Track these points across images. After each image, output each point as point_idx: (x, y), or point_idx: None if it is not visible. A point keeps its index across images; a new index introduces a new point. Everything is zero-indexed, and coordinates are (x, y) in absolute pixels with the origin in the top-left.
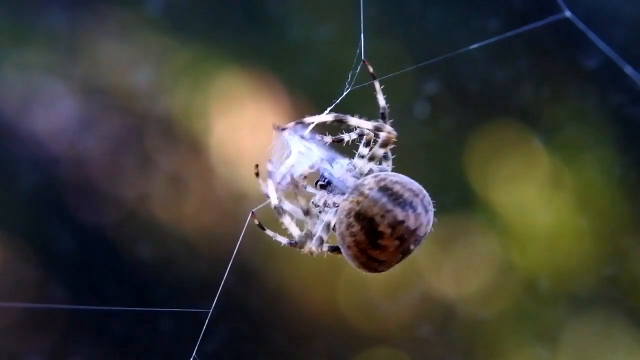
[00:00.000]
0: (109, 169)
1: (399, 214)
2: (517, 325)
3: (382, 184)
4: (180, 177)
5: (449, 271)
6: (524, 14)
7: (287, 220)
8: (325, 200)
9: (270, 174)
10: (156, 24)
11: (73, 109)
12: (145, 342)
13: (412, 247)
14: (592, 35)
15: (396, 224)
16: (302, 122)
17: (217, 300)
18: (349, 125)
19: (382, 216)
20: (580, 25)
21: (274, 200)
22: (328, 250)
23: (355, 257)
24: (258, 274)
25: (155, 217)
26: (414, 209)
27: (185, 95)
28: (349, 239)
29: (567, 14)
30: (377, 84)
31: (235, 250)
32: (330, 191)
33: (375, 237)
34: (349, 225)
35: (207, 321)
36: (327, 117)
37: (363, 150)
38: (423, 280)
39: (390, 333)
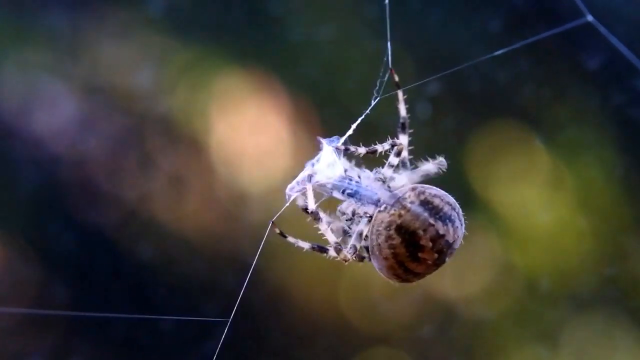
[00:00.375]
0: (110, 168)
1: (441, 228)
2: (517, 325)
3: (422, 197)
4: (180, 177)
5: (449, 271)
6: (525, 14)
7: (323, 227)
8: (354, 210)
9: (309, 177)
10: (157, 24)
11: (74, 109)
12: (146, 344)
13: (447, 259)
14: (613, 40)
15: (437, 238)
16: (347, 149)
17: (235, 309)
18: (377, 152)
19: (425, 230)
20: (603, 30)
21: (311, 205)
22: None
23: (391, 268)
24: (260, 274)
25: (156, 217)
26: (453, 223)
27: (186, 95)
28: (387, 251)
29: (589, 18)
30: (400, 94)
31: (254, 263)
32: (359, 200)
33: (415, 250)
34: (389, 238)
35: (225, 332)
36: (360, 150)
37: (393, 159)
38: (424, 280)
39: (391, 333)
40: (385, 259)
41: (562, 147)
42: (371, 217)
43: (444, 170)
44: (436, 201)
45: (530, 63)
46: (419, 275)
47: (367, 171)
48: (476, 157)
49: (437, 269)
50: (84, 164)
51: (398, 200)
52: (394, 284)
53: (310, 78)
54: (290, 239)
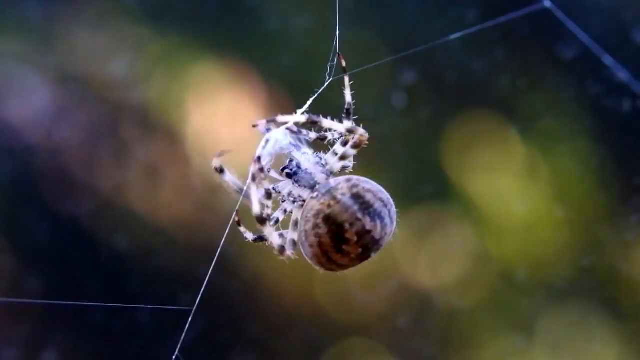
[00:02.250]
0: (85, 159)
1: (368, 223)
2: (493, 315)
3: (354, 190)
4: (156, 167)
5: (425, 261)
6: (501, 4)
7: (268, 230)
8: (290, 191)
9: (253, 177)
10: (132, 13)
11: (48, 99)
12: (122, 333)
13: (372, 254)
14: (571, 25)
15: (363, 233)
16: (274, 121)
17: (199, 296)
18: (322, 127)
19: (352, 224)
20: (560, 15)
21: (255, 209)
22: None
23: (315, 256)
24: (234, 264)
25: (131, 207)
26: (382, 220)
27: (162, 85)
28: (312, 239)
29: (547, 3)
30: (346, 79)
31: (219, 249)
32: (296, 181)
33: (340, 243)
34: (316, 226)
35: (189, 319)
36: (300, 117)
37: (338, 148)
38: (400, 270)
39: (367, 323)
40: (310, 246)
41: (538, 137)
42: (304, 202)
43: (365, 143)
44: (368, 196)
45: (506, 53)
46: (341, 267)
47: (310, 154)
48: (452, 147)
49: (360, 263)
50: (59, 154)
51: (329, 190)
52: (320, 270)
53: (285, 68)
54: (242, 229)
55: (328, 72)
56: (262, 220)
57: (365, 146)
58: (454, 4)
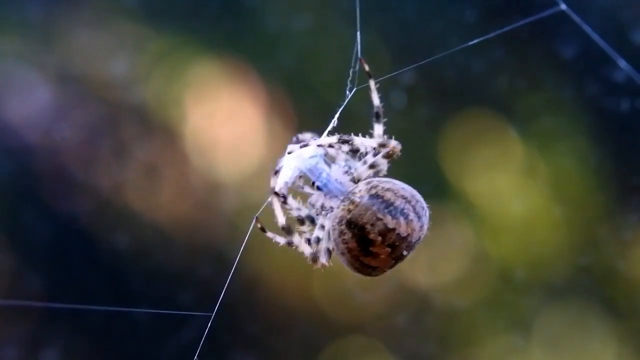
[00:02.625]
0: (84, 157)
1: (390, 222)
2: (491, 314)
3: (373, 191)
4: (155, 167)
5: (424, 260)
6: (502, 4)
7: (297, 239)
8: (323, 203)
9: (272, 190)
10: (132, 13)
11: (48, 98)
12: (122, 334)
13: (405, 253)
14: (587, 28)
15: (386, 232)
16: (307, 145)
17: (218, 304)
18: (354, 146)
19: (372, 224)
20: (576, 18)
21: (280, 220)
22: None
23: (350, 264)
24: (233, 263)
25: (131, 206)
26: (406, 216)
27: (161, 84)
28: (342, 246)
29: (563, 7)
30: (372, 83)
31: (238, 257)
32: (327, 193)
33: (366, 245)
34: (341, 233)
35: (208, 327)
36: (330, 139)
37: (369, 157)
38: (398, 270)
39: (365, 322)
40: (342, 254)
41: (536, 136)
42: None
43: (397, 154)
44: (387, 195)
45: (505, 53)
46: (377, 269)
47: (339, 164)
48: (451, 146)
49: (397, 262)
50: (58, 153)
51: (348, 195)
52: (364, 278)
53: (285, 68)
54: (269, 234)
55: (350, 78)
56: (289, 230)
57: (397, 157)
58: (453, 4)
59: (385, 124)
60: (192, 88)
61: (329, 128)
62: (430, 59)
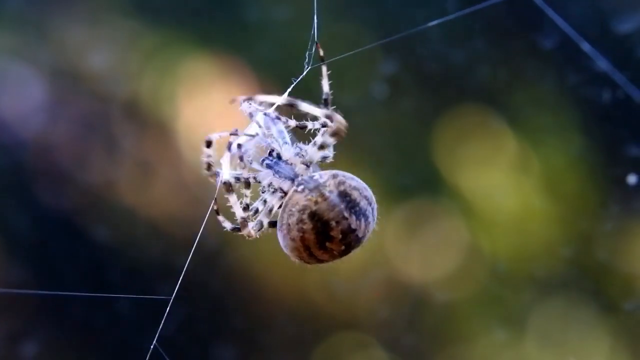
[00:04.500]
0: (74, 152)
1: (354, 222)
2: (483, 308)
3: (341, 188)
4: (146, 162)
5: (414, 256)
6: None
7: (233, 199)
8: (271, 182)
9: (229, 145)
10: (123, 7)
11: (38, 93)
12: (103, 325)
13: (352, 251)
14: (550, 12)
15: (348, 232)
16: (252, 98)
17: (177, 287)
18: (300, 110)
19: (337, 222)
20: (539, 2)
21: (225, 175)
22: (269, 227)
23: (296, 250)
24: (216, 254)
25: (122, 201)
26: (366, 218)
27: (153, 78)
28: (295, 233)
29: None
30: (324, 69)
31: (199, 235)
32: (277, 172)
33: (324, 239)
34: (300, 221)
35: (167, 309)
36: (279, 98)
37: (318, 138)
38: (388, 265)
39: (355, 317)
40: (292, 239)
41: (526, 128)
42: (285, 193)
43: (343, 131)
44: (354, 194)
45: (488, 43)
46: (319, 262)
47: (289, 145)
48: (438, 139)
49: (340, 258)
50: (48, 148)
51: (317, 187)
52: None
53: (271, 60)
54: (220, 217)
55: (307, 60)
56: (229, 187)
57: (344, 135)
58: None
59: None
60: (184, 82)
61: (279, 100)
62: (398, 35)
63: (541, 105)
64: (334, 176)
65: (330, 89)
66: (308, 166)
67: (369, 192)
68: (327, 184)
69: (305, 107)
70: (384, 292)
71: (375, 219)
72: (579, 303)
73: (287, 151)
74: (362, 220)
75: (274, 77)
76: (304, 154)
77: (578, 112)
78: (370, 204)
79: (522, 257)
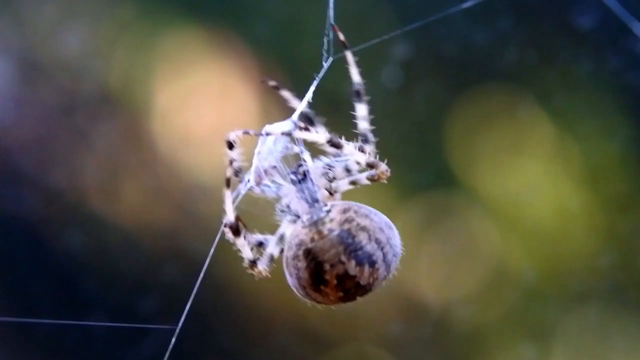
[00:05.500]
0: (33, 148)
1: (352, 268)
2: (502, 321)
3: (346, 226)
4: (117, 157)
5: (431, 265)
6: None
7: (240, 242)
8: (290, 202)
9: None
10: None
11: None
12: (75, 346)
13: (357, 298)
14: None
15: (345, 278)
16: (289, 135)
17: (184, 313)
18: (341, 153)
19: (332, 265)
20: None
21: (229, 217)
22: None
23: (294, 287)
24: (203, 266)
25: (93, 208)
26: (372, 264)
27: (125, 59)
28: (292, 269)
29: None
30: (349, 56)
31: (207, 262)
32: (300, 190)
33: (318, 282)
34: (296, 257)
35: (173, 339)
36: (320, 136)
37: (354, 173)
38: (401, 274)
39: (357, 331)
40: (290, 275)
41: (553, 117)
42: (297, 218)
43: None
44: (361, 236)
45: (513, 22)
46: (320, 303)
47: (320, 162)
48: (454, 129)
49: (344, 303)
50: (7, 145)
51: (317, 221)
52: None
53: (264, 37)
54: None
55: (325, 47)
56: (237, 231)
57: (384, 182)
58: None
59: (369, 103)
60: (161, 62)
61: (302, 106)
62: (423, 22)
63: (575, 91)
64: (344, 210)
65: (362, 77)
66: (332, 194)
67: (384, 234)
68: (331, 218)
69: (348, 150)
70: (387, 303)
71: (392, 265)
72: (618, 317)
73: (315, 170)
74: (366, 266)
75: (274, 56)
76: (331, 177)
77: (621, 98)
78: (382, 248)
79: (555, 266)
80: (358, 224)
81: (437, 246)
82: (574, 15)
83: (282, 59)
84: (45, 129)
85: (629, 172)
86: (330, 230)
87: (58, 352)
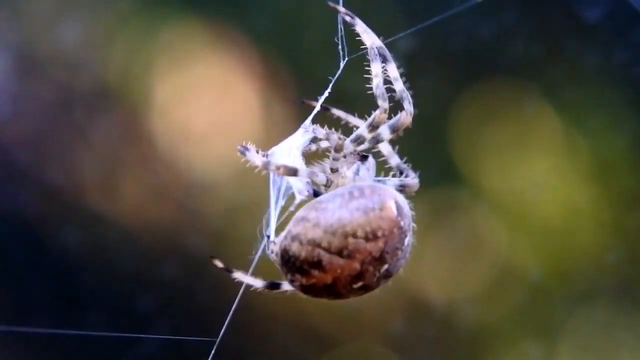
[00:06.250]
0: (30, 144)
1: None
2: (508, 319)
3: (284, 244)
4: (115, 153)
5: (429, 258)
6: None
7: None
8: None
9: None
10: None
11: None
12: (72, 345)
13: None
14: None
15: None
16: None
17: (224, 327)
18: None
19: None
20: None
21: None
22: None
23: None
24: (203, 264)
25: (91, 205)
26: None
27: (124, 53)
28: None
29: None
30: (359, 24)
31: (236, 301)
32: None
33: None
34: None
35: (213, 351)
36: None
37: (377, 126)
38: (405, 274)
39: (361, 329)
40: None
41: (559, 111)
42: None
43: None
44: (294, 248)
45: (519, 16)
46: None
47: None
48: (459, 124)
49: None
50: (3, 141)
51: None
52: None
53: (266, 30)
54: (237, 275)
55: (340, 46)
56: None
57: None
58: None
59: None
60: (160, 56)
61: (316, 108)
62: (433, 20)
63: (582, 85)
64: (297, 221)
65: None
66: (327, 185)
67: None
68: (288, 230)
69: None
70: (391, 301)
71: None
72: (626, 314)
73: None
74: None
75: (276, 50)
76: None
77: (629, 94)
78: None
79: (561, 263)
80: (299, 243)
81: (442, 243)
82: (581, 8)
83: (284, 53)
84: (42, 125)
85: (637, 167)
86: (271, 252)
87: (55, 353)
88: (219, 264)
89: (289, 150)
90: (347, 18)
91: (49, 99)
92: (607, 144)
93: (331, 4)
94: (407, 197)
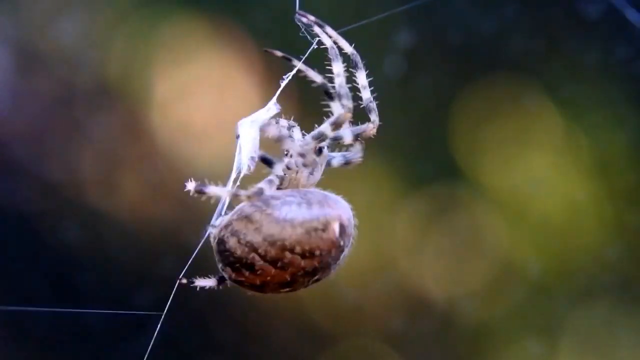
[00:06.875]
0: (30, 140)
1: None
2: (508, 316)
3: (220, 234)
4: (115, 150)
5: (429, 255)
6: None
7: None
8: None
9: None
10: None
11: None
12: (70, 339)
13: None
14: None
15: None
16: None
17: (170, 299)
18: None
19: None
20: None
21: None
22: None
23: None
24: (202, 258)
25: (85, 197)
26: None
27: (123, 49)
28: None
29: None
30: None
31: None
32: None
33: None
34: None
35: (158, 327)
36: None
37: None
38: (397, 267)
39: (361, 326)
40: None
41: (559, 107)
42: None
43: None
44: (230, 243)
45: (519, 11)
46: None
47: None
48: (458, 121)
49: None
50: (1, 136)
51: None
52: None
53: (264, 27)
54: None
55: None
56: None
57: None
58: None
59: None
60: (160, 53)
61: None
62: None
63: (582, 81)
64: (240, 216)
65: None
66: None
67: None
68: (229, 218)
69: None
70: (390, 298)
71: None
72: (626, 311)
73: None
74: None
75: (275, 46)
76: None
77: (630, 90)
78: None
79: (562, 260)
80: (235, 234)
81: (442, 240)
82: (582, 4)
83: (282, 49)
84: (42, 121)
85: (638, 163)
86: (214, 238)
87: (53, 344)
88: (184, 281)
89: (252, 125)
90: (316, 28)
91: (48, 95)
92: (608, 140)
93: (300, 12)
94: (365, 141)
